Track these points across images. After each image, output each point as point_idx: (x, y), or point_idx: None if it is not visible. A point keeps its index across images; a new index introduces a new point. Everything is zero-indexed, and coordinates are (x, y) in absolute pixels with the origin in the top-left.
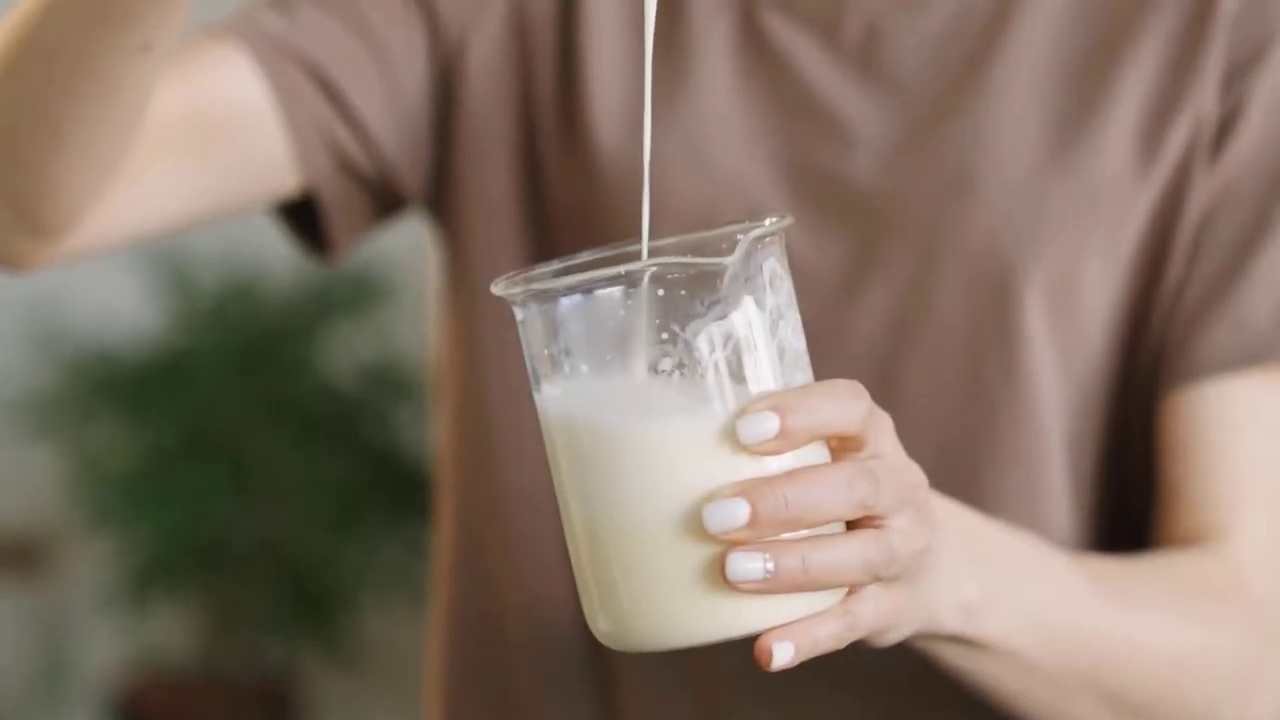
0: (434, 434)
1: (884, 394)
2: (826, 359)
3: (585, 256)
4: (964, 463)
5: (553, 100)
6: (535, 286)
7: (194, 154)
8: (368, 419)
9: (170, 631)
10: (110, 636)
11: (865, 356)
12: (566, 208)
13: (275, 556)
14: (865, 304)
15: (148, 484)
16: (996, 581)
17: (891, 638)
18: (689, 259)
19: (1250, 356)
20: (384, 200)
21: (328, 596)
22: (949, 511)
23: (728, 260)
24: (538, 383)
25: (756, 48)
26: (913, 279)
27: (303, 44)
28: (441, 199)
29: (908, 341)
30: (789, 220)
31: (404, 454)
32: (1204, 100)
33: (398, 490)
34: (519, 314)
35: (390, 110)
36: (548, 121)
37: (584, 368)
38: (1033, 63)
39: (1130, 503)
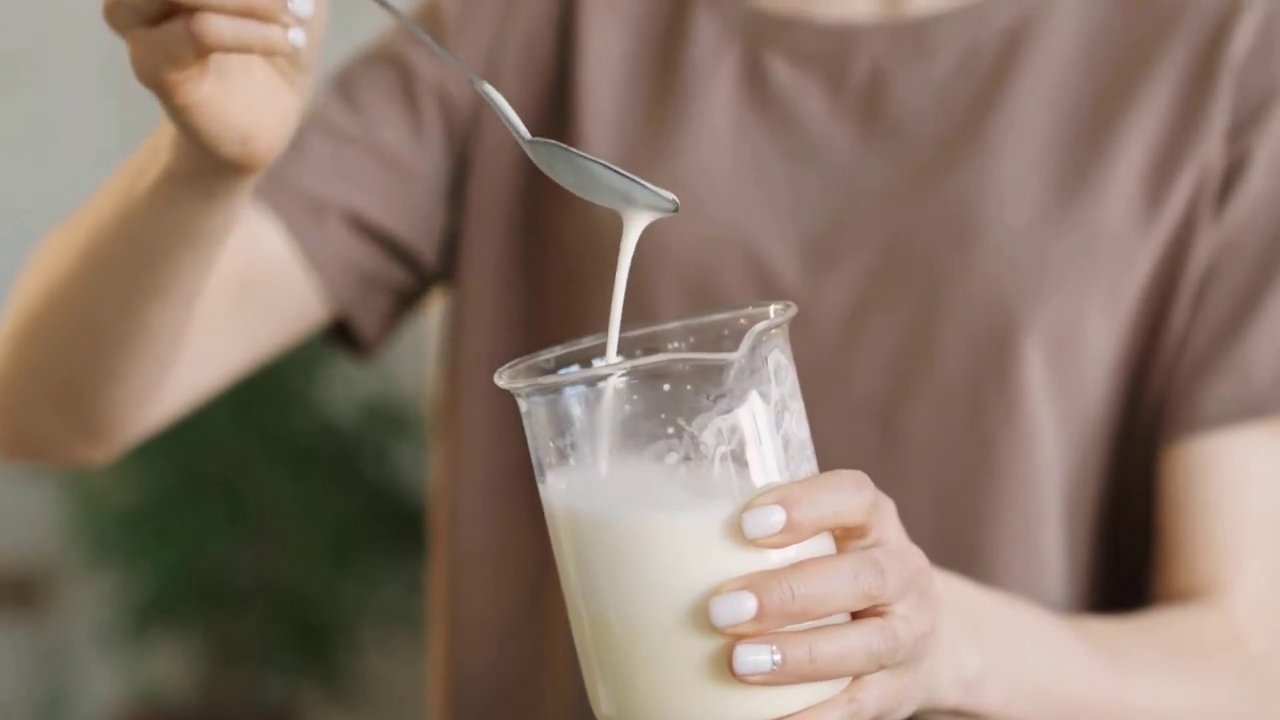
0: (433, 470)
1: (884, 440)
2: (828, 405)
3: (589, 342)
4: (963, 509)
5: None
6: (540, 381)
7: (232, 319)
8: (367, 455)
9: (170, 668)
10: (110, 673)
11: (866, 402)
12: (562, 260)
13: (275, 593)
14: (866, 350)
15: (148, 521)
16: (996, 653)
17: (895, 719)
18: (696, 355)
19: (1252, 409)
20: (412, 290)
21: (327, 633)
22: (947, 586)
23: (733, 355)
24: (542, 473)
25: (759, 90)
26: (914, 326)
27: (313, 181)
28: (451, 262)
29: (909, 388)
30: (793, 310)
31: (403, 490)
32: (1209, 152)
33: (397, 526)
34: (523, 406)
35: (405, 205)
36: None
37: (589, 460)
38: (1037, 110)
39: (1127, 551)
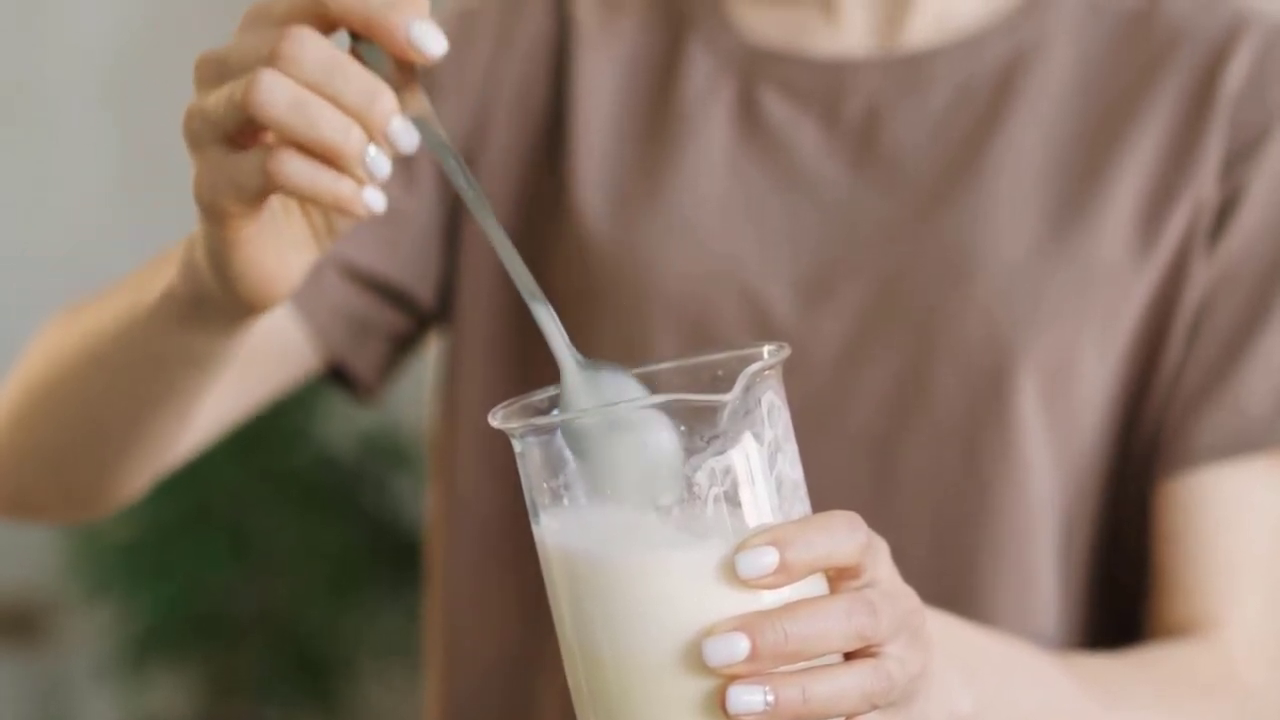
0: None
1: (879, 476)
2: (822, 440)
3: None
4: (959, 543)
5: (542, 187)
6: (534, 422)
7: (236, 377)
8: (367, 488)
9: (170, 700)
10: (110, 705)
11: (861, 438)
12: (558, 295)
13: (274, 624)
14: (861, 386)
15: (147, 552)
16: (988, 693)
17: None
18: (690, 396)
19: (1248, 443)
20: (410, 332)
21: (327, 665)
22: (940, 625)
23: (727, 397)
24: (536, 514)
25: (754, 124)
26: (909, 362)
27: None
28: (449, 302)
29: (904, 423)
30: (786, 352)
31: (403, 522)
32: (1204, 186)
33: (397, 559)
34: (517, 446)
35: (399, 250)
36: (539, 209)
37: (583, 500)
38: (1032, 145)
39: (1122, 587)
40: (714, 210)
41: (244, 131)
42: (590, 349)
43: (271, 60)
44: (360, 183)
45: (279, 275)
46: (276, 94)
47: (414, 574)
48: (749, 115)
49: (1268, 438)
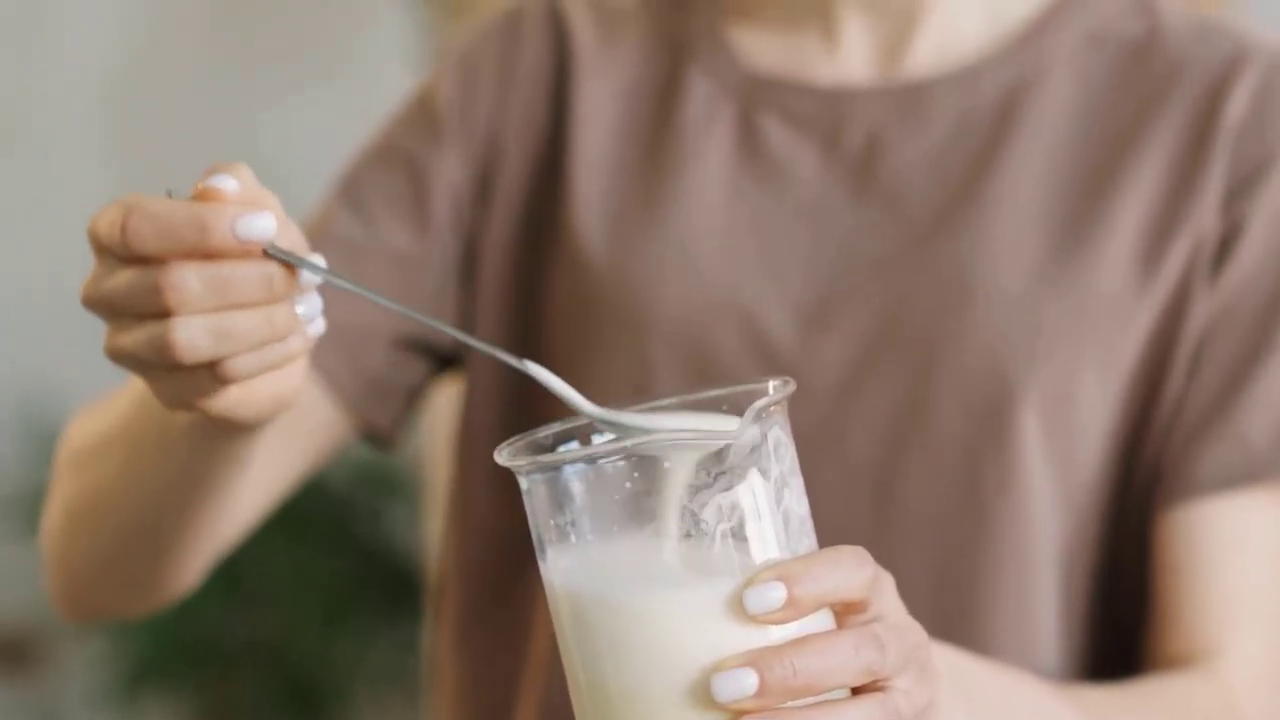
0: (426, 531)
1: (880, 503)
2: (822, 469)
3: (587, 418)
4: (958, 575)
5: (543, 214)
6: (539, 459)
7: (268, 455)
8: (359, 518)
9: None
10: None
11: (862, 466)
12: (554, 330)
13: (267, 654)
14: (862, 415)
15: None
16: None
17: None
18: (698, 432)
19: (1248, 475)
20: (430, 378)
21: (321, 694)
22: (943, 658)
23: (734, 432)
24: (543, 551)
25: (754, 151)
26: (909, 390)
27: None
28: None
29: (904, 452)
30: (792, 387)
31: (396, 552)
32: (1205, 218)
33: (390, 588)
34: (523, 483)
35: (418, 300)
36: (540, 236)
37: (590, 537)
38: (1033, 175)
39: (1122, 618)
40: (713, 237)
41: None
42: (590, 376)
43: (168, 311)
44: (302, 334)
45: (281, 391)
46: (195, 339)
47: (407, 604)
48: (749, 142)
49: (1268, 470)
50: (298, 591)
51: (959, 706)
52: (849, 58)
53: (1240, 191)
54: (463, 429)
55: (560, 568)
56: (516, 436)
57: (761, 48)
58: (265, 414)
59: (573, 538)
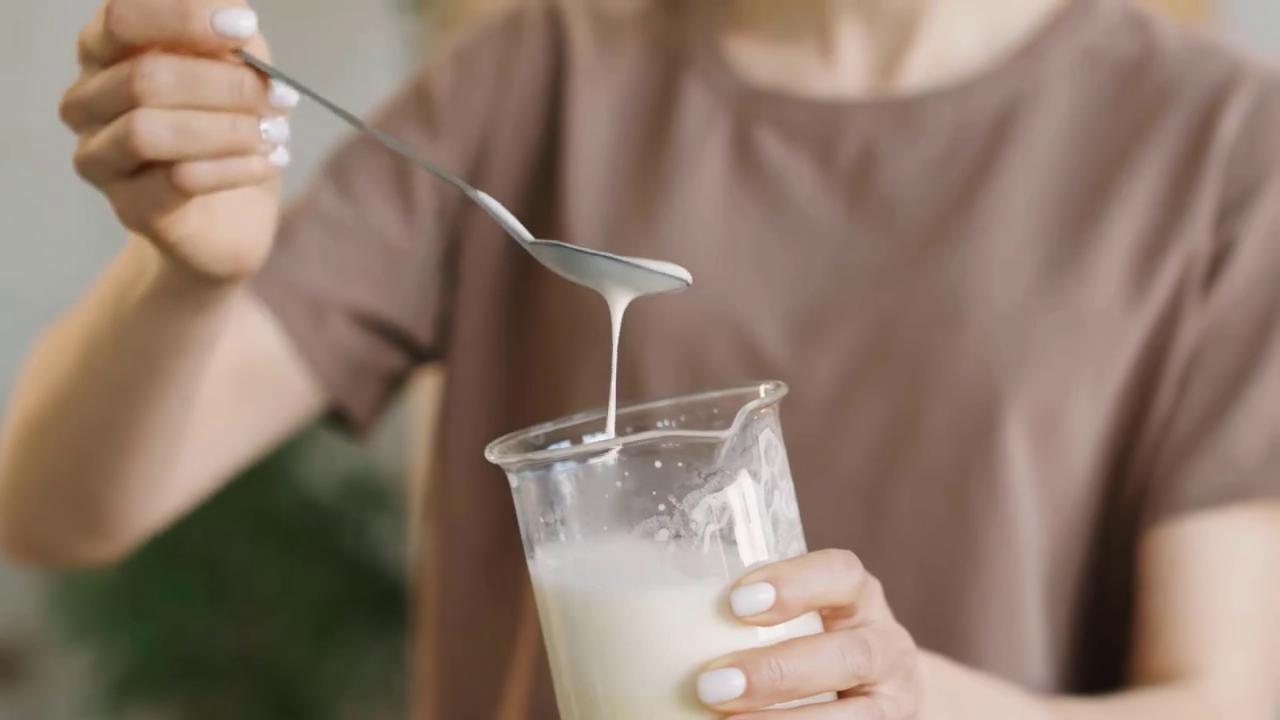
0: (413, 544)
1: (868, 518)
2: (812, 481)
3: (580, 418)
4: (946, 589)
5: (537, 223)
6: (531, 457)
7: (231, 412)
8: (347, 530)
9: None
10: None
11: (851, 480)
12: (545, 334)
13: (255, 667)
14: (852, 428)
15: (127, 595)
16: None
17: None
18: (688, 433)
19: (1236, 493)
20: (406, 370)
21: (307, 707)
22: (930, 667)
23: (725, 434)
24: (531, 549)
25: (749, 163)
26: (900, 405)
27: (306, 277)
28: (444, 339)
29: (894, 466)
30: (784, 390)
31: (383, 564)
32: (1197, 236)
33: (377, 601)
34: (514, 481)
35: (398, 289)
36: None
37: (579, 536)
38: (1026, 191)
39: (1108, 633)
40: (707, 248)
41: (140, 166)
42: (582, 384)
43: (134, 101)
44: (265, 154)
45: (244, 240)
46: (157, 131)
47: (395, 616)
48: (744, 154)
49: (1256, 488)
50: (285, 604)
51: (945, 715)
52: (845, 71)
53: (1232, 211)
54: (441, 422)
55: (549, 567)
56: (507, 435)
57: (758, 59)
58: (224, 264)
59: (562, 537)
